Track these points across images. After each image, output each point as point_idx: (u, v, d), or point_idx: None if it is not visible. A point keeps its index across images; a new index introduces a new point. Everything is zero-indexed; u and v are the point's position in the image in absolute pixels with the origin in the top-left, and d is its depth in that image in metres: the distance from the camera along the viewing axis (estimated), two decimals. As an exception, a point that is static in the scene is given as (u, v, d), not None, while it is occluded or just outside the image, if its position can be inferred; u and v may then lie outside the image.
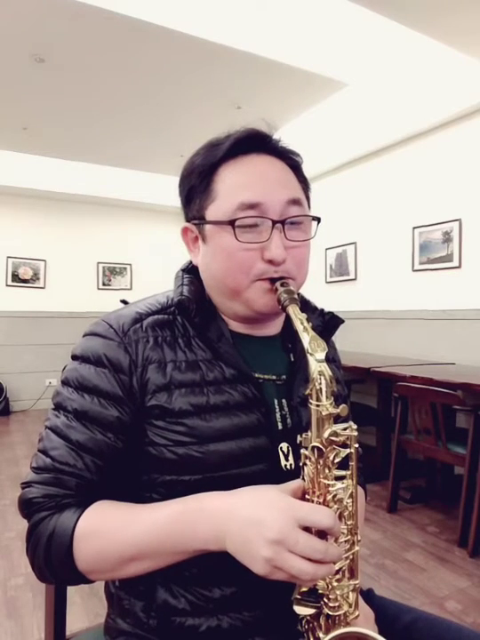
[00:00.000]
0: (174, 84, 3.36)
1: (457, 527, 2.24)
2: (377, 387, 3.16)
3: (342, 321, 0.77)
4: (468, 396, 2.32)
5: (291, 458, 0.64)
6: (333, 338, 0.82)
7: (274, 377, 0.68)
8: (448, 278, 3.24)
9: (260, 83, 3.34)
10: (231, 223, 0.61)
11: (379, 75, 3.33)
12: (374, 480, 2.98)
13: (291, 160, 0.68)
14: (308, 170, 0.70)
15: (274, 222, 0.62)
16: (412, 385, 2.38)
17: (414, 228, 3.46)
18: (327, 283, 4.37)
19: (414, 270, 3.48)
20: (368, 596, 0.73)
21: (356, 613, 0.55)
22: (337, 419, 0.53)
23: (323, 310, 0.77)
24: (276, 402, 0.67)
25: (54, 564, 0.57)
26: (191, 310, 0.65)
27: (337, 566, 0.52)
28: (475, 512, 2.10)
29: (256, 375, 0.66)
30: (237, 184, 0.63)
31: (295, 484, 0.55)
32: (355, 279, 4.08)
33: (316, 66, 3.16)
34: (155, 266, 5.91)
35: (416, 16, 2.36)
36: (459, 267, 3.17)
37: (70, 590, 0.85)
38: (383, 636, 0.53)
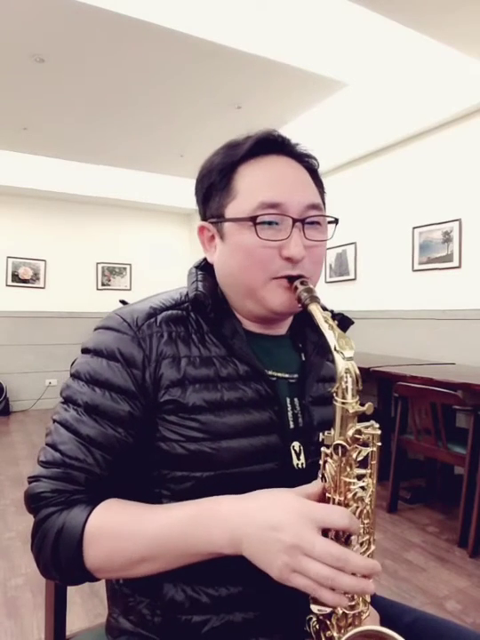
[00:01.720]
0: (174, 83, 3.36)
1: (457, 527, 2.24)
2: (377, 387, 3.16)
3: (352, 322, 0.76)
4: (467, 396, 2.32)
5: (302, 457, 0.64)
6: None
7: (286, 375, 0.68)
8: (448, 278, 3.24)
9: (260, 83, 3.34)
10: (253, 220, 0.61)
11: (379, 75, 3.33)
12: (374, 480, 2.98)
13: (307, 163, 0.68)
14: (307, 170, 0.71)
15: (294, 220, 0.62)
16: (412, 385, 2.38)
17: (414, 228, 3.46)
18: (327, 283, 4.37)
19: (414, 270, 3.48)
20: (369, 596, 0.73)
21: (368, 612, 0.55)
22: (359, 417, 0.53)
23: (332, 311, 0.77)
24: (288, 400, 0.67)
25: (61, 560, 0.57)
26: (207, 305, 0.65)
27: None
28: (475, 512, 2.10)
29: (269, 373, 0.66)
30: (258, 183, 0.63)
31: (312, 487, 0.54)
32: (355, 279, 4.07)
33: (316, 66, 3.16)
34: (154, 266, 5.91)
35: (416, 16, 2.36)
36: (459, 267, 3.17)
37: (70, 590, 0.85)
38: None
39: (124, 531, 0.56)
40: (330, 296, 4.28)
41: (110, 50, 2.95)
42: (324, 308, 0.76)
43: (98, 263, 5.74)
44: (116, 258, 5.85)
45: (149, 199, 5.66)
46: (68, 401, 0.62)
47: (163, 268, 5.72)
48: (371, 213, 3.91)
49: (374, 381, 3.13)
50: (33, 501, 0.59)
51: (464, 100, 3.04)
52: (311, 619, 0.55)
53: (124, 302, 3.37)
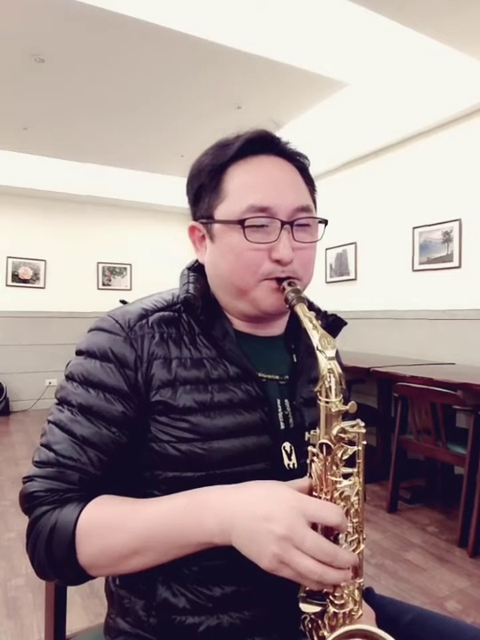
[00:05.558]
0: (174, 83, 3.36)
1: (457, 527, 2.24)
2: (377, 387, 3.16)
3: (345, 323, 0.77)
4: (468, 396, 2.31)
5: (293, 457, 0.65)
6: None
7: (277, 377, 0.69)
8: (448, 278, 3.25)
9: (260, 83, 3.34)
10: (241, 223, 0.61)
11: (379, 75, 3.33)
12: (374, 480, 2.98)
13: (298, 162, 0.68)
14: (308, 170, 0.71)
15: (282, 223, 0.62)
16: (412, 385, 2.38)
17: (414, 228, 3.46)
18: (327, 283, 4.37)
19: (414, 270, 3.48)
20: (368, 595, 0.73)
21: (360, 612, 0.55)
22: (344, 416, 0.53)
23: (325, 312, 0.78)
24: (278, 402, 0.67)
25: (56, 558, 0.57)
26: (197, 308, 0.65)
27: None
28: (475, 512, 2.10)
29: (259, 374, 0.66)
30: (247, 185, 0.63)
31: (302, 482, 0.55)
32: (355, 279, 4.08)
33: (316, 66, 3.16)
34: (155, 266, 5.91)
35: (416, 16, 2.36)
36: (459, 267, 3.17)
37: (70, 590, 0.85)
38: None
39: (115, 524, 0.56)
40: (330, 296, 4.28)
41: (110, 50, 2.95)
42: (318, 309, 0.77)
43: (98, 263, 5.74)
44: (117, 258, 5.85)
45: (150, 199, 5.66)
46: (62, 402, 0.63)
47: (163, 268, 5.71)
48: (371, 213, 3.91)
49: (374, 381, 3.13)
50: (27, 501, 0.60)
51: (464, 100, 3.04)
52: (306, 618, 0.56)
53: (124, 302, 3.38)
